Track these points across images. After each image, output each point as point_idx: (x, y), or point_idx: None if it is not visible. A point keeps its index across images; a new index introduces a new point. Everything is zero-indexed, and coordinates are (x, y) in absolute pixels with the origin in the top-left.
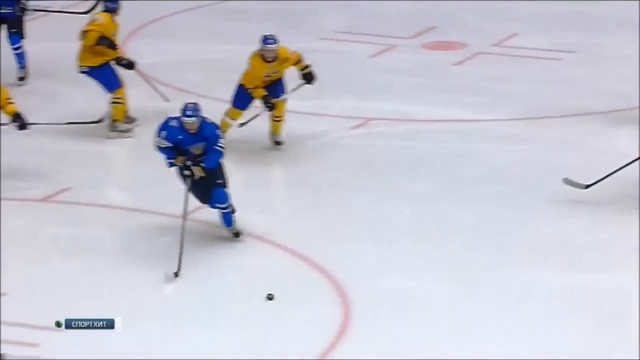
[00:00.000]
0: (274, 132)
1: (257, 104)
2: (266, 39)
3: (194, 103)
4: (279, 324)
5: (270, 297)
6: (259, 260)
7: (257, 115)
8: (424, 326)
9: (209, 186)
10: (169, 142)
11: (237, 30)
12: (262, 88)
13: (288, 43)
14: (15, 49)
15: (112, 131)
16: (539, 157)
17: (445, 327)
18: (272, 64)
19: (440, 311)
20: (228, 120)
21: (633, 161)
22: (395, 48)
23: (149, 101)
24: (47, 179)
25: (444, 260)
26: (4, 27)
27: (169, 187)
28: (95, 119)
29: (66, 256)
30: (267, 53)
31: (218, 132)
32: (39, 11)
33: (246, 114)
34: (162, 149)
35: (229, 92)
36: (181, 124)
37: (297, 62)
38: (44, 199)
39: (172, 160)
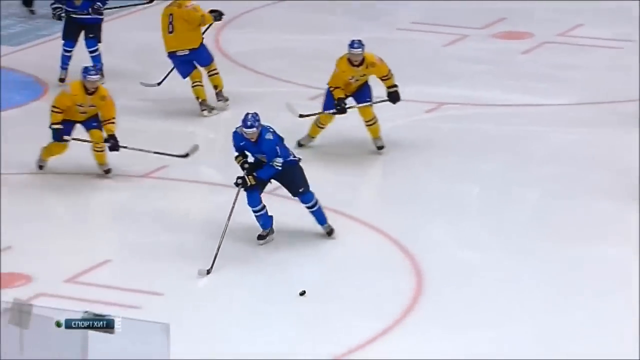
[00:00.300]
0: (374, 137)
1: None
2: (353, 43)
3: (254, 113)
4: (358, 294)
5: (302, 293)
6: (337, 232)
7: (319, 113)
8: (489, 298)
9: (293, 194)
10: (236, 148)
11: (319, 21)
12: (345, 91)
13: (367, 33)
14: (92, 52)
15: (204, 110)
16: (602, 140)
17: (510, 299)
18: (358, 68)
19: (505, 283)
20: (318, 124)
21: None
22: (467, 38)
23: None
24: (147, 157)
25: (509, 236)
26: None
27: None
28: (183, 152)
29: (163, 227)
30: (354, 57)
31: (276, 149)
32: (111, 9)
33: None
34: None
35: (309, 78)
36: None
37: (386, 77)
38: (145, 175)
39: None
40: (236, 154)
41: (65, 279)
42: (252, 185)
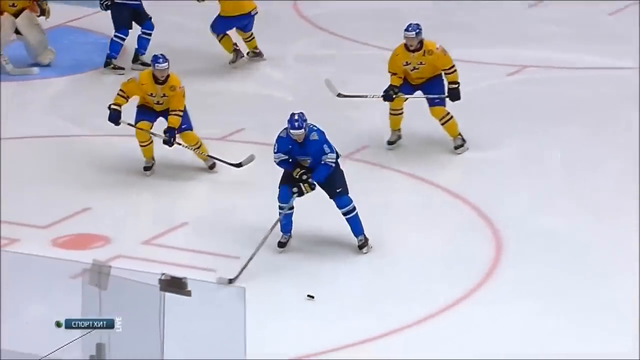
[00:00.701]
0: (451, 135)
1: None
2: (408, 27)
3: (300, 113)
4: (435, 259)
5: (310, 297)
6: (415, 197)
7: (365, 96)
8: (573, 266)
9: (330, 196)
10: (282, 153)
11: None
12: (405, 80)
13: None
14: (148, 34)
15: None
16: None
17: (595, 267)
18: (414, 53)
19: (590, 250)
20: (390, 111)
21: None
22: None
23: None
24: (223, 120)
25: (592, 202)
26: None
27: (337, 128)
28: (238, 162)
29: (240, 192)
30: (408, 41)
31: (325, 147)
32: None
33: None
34: (279, 163)
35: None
36: (288, 134)
37: (449, 71)
38: (222, 138)
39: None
40: (287, 166)
41: (143, 241)
42: (307, 192)
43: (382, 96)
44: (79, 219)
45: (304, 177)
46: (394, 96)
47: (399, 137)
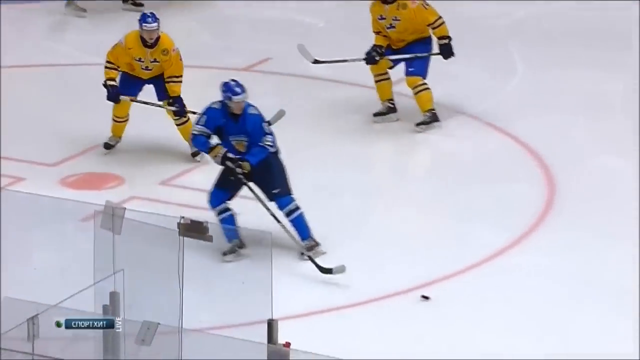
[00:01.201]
0: (421, 109)
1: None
2: None
3: (235, 81)
4: (485, 203)
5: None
6: (466, 137)
7: (345, 60)
8: (633, 210)
9: (267, 195)
10: (208, 128)
11: None
12: (389, 41)
13: None
14: None
15: None
16: None
17: None
18: (387, 6)
19: None
20: (375, 77)
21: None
22: None
23: None
24: (247, 48)
25: None
26: None
27: None
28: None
29: None
30: None
31: (264, 125)
32: None
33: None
34: (195, 138)
35: None
36: (224, 106)
37: (434, 25)
38: (246, 69)
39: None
40: (212, 142)
41: (159, 181)
42: (248, 174)
43: (364, 58)
44: (90, 157)
45: (229, 154)
46: (377, 58)
47: (391, 110)
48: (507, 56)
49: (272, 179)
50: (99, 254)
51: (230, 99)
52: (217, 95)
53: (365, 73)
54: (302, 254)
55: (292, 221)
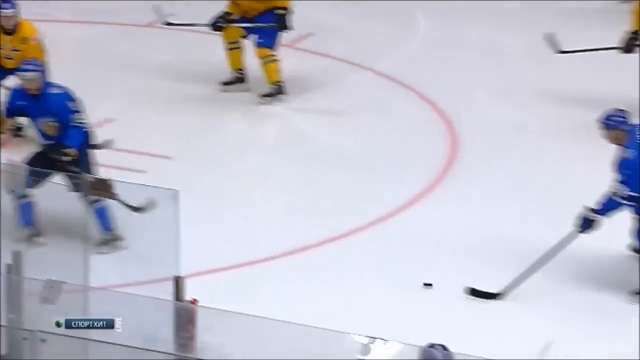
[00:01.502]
0: (268, 80)
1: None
2: None
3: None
4: (389, 156)
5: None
6: (371, 93)
7: (192, 24)
8: (535, 163)
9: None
10: (11, 108)
11: None
12: (238, 8)
13: None
14: None
15: None
16: None
17: (558, 158)
18: None
19: (552, 140)
20: (225, 46)
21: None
22: None
23: None
24: None
25: (560, 94)
26: None
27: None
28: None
29: (172, 79)
30: None
31: (69, 104)
32: None
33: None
34: None
35: None
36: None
37: None
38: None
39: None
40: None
41: None
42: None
43: (210, 24)
44: None
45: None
46: (223, 25)
47: (239, 80)
48: (410, 12)
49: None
50: (4, 214)
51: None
52: (120, 52)
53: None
54: (103, 244)
55: (94, 212)
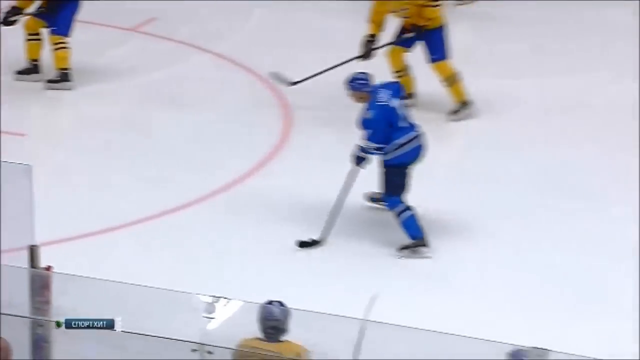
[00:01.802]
0: (28, 56)
1: None
2: None
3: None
4: (228, 135)
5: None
6: (211, 74)
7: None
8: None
9: None
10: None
11: None
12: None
13: None
14: None
15: None
16: None
17: None
18: None
19: None
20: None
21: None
22: None
23: None
24: None
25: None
26: None
27: None
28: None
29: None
30: None
31: None
32: None
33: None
34: None
35: None
36: None
37: None
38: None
39: None
40: None
41: None
42: None
43: (2, 22)
44: None
45: None
46: (11, 19)
47: (34, 70)
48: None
49: None
50: None
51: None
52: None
53: None
54: None
55: None
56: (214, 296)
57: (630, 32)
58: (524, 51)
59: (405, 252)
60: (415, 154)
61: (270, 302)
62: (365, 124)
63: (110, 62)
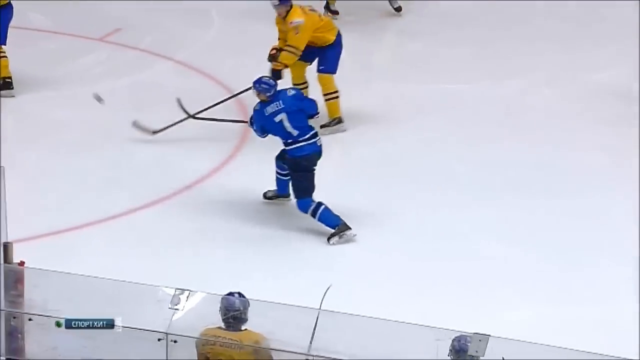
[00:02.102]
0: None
1: None
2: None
3: None
4: (189, 135)
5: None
6: (172, 79)
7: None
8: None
9: None
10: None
11: None
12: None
13: None
14: None
15: None
16: None
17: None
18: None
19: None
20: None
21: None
22: None
23: None
24: None
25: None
26: None
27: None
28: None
29: None
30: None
31: None
32: None
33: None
34: None
35: None
36: None
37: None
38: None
39: None
40: None
41: None
42: None
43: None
44: None
45: None
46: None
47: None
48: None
49: None
50: None
51: None
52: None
53: None
54: None
55: None
56: (178, 288)
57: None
58: (464, 55)
59: (335, 239)
60: (305, 153)
61: (230, 294)
62: (251, 117)
63: (77, 69)
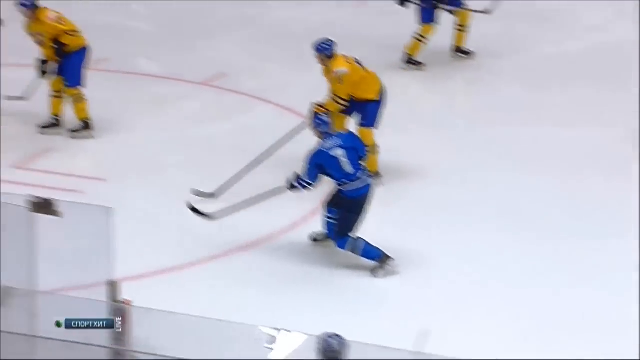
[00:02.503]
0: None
1: None
2: None
3: None
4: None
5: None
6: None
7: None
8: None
9: None
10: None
11: None
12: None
13: None
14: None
15: None
16: None
17: None
18: None
19: None
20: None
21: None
22: None
23: None
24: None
25: None
26: None
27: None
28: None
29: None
30: None
31: None
32: None
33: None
34: None
35: None
36: None
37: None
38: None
39: None
40: None
41: (13, 164)
42: None
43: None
44: None
45: None
46: (45, 71)
47: (55, 125)
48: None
49: None
50: None
51: None
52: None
53: None
54: None
55: None
56: (275, 328)
57: None
58: None
59: (379, 271)
60: (361, 193)
61: (329, 336)
62: (306, 159)
63: (181, 113)
